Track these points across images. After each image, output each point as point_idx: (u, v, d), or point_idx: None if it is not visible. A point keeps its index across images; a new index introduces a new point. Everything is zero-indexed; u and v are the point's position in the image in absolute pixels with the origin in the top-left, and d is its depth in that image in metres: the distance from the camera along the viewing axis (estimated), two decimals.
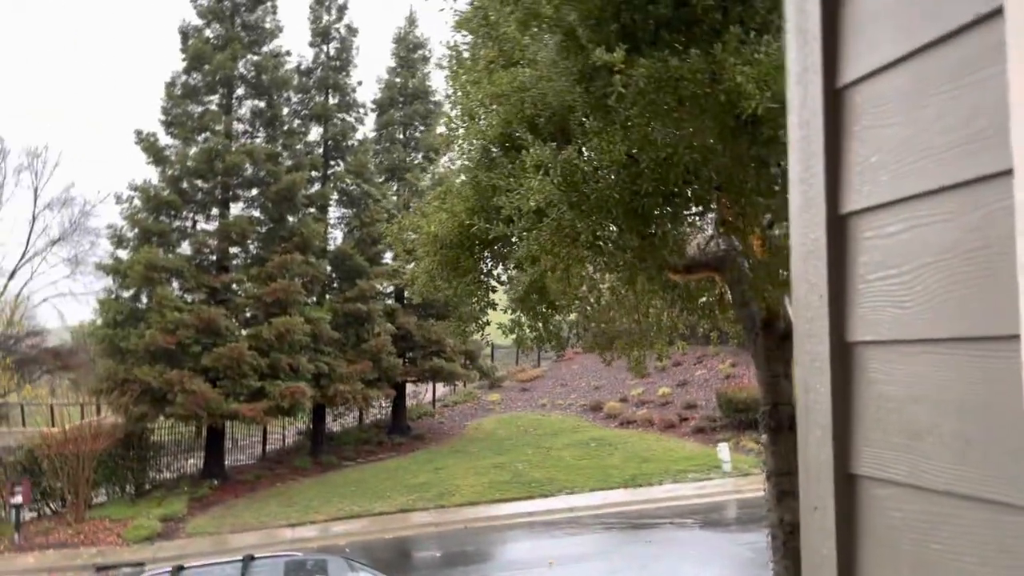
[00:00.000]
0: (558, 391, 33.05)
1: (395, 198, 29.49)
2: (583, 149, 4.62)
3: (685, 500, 20.06)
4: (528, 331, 6.69)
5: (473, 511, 20.52)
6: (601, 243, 4.69)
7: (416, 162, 31.28)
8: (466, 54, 6.26)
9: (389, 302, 29.29)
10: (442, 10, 6.20)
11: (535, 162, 4.38)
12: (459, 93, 6.34)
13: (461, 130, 6.31)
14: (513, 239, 5.16)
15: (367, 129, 30.38)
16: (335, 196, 28.51)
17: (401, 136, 31.39)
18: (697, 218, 5.29)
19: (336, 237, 28.73)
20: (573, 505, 20.44)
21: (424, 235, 5.72)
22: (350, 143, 28.61)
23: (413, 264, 6.24)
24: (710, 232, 5.69)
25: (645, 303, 6.13)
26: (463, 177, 6.45)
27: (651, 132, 4.24)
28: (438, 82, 32.46)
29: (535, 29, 4.73)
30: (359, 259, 26.98)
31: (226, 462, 24.74)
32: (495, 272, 6.14)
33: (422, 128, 31.52)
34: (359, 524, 19.76)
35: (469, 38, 6.24)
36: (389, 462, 25.77)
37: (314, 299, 26.07)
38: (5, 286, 30.31)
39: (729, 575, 14.16)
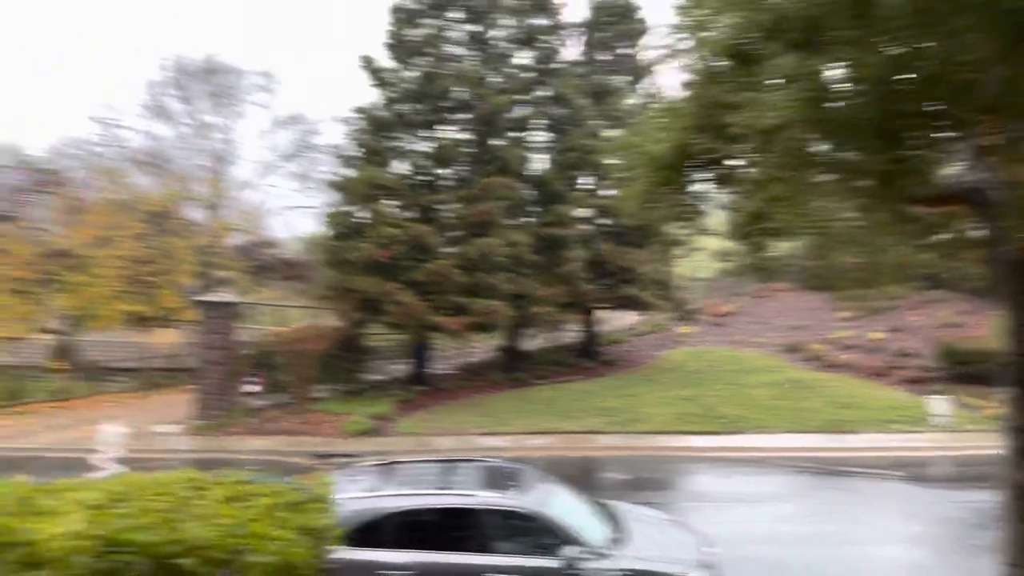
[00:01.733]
0: (754, 328, 31.95)
1: (597, 121, 29.22)
2: (834, 61, 4.25)
3: (889, 451, 18.88)
4: (741, 260, 6.46)
5: (660, 440, 20.59)
6: (841, 168, 4.37)
7: (619, 85, 30.69)
8: None
9: (584, 227, 29.46)
10: None
11: (777, 74, 4.10)
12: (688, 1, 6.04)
13: (685, 42, 6.04)
14: (739, 160, 4.94)
15: (578, 53, 30.11)
16: (539, 120, 28.72)
17: (607, 57, 30.82)
18: (954, 143, 4.74)
19: (538, 161, 29.05)
20: (763, 445, 19.90)
21: (639, 154, 5.61)
22: (555, 66, 28.51)
23: (623, 185, 6.14)
24: (963, 159, 5.11)
25: (880, 238, 5.66)
26: (684, 93, 6.22)
27: (920, 43, 3.80)
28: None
29: None
30: (559, 184, 27.23)
31: (430, 371, 26.46)
32: (712, 195, 5.94)
33: (628, 48, 30.75)
34: (548, 440, 20.48)
35: None
36: (578, 384, 26.36)
37: (515, 222, 26.72)
38: (244, 198, 33.81)
39: (934, 531, 13.24)
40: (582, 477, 17.90)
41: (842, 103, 4.15)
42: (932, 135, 4.23)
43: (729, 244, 6.58)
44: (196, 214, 27.72)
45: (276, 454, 19.29)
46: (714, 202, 5.95)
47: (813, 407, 22.19)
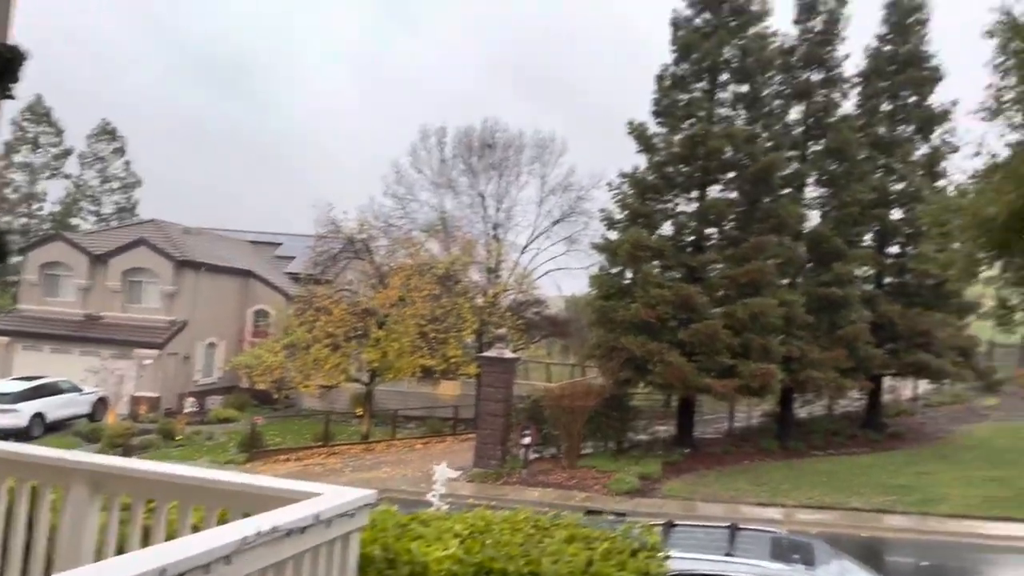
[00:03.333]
0: None
1: (877, 175, 27.43)
2: None
3: None
4: None
5: (962, 524, 18.29)
6: None
7: (905, 135, 28.62)
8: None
9: (868, 287, 27.49)
10: None
11: None
12: (1012, 61, 5.71)
13: (1013, 103, 5.69)
14: None
15: (850, 104, 28.73)
16: (813, 175, 27.62)
17: (887, 107, 28.98)
18: None
19: (812, 217, 27.83)
20: None
21: (968, 215, 5.31)
22: (831, 119, 27.33)
23: (946, 247, 5.81)
24: None
25: None
26: (1012, 153, 5.82)
27: None
28: (938, 45, 29.11)
29: None
30: (837, 241, 25.81)
31: (695, 433, 25.97)
32: None
33: (913, 98, 28.69)
34: (829, 516, 19.08)
35: None
36: (862, 458, 24.33)
37: (787, 281, 25.68)
38: (516, 260, 36.11)
39: None
40: (869, 559, 16.43)
41: None
42: None
43: None
44: (477, 276, 30.07)
45: (549, 506, 19.89)
46: None
47: None
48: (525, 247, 36.74)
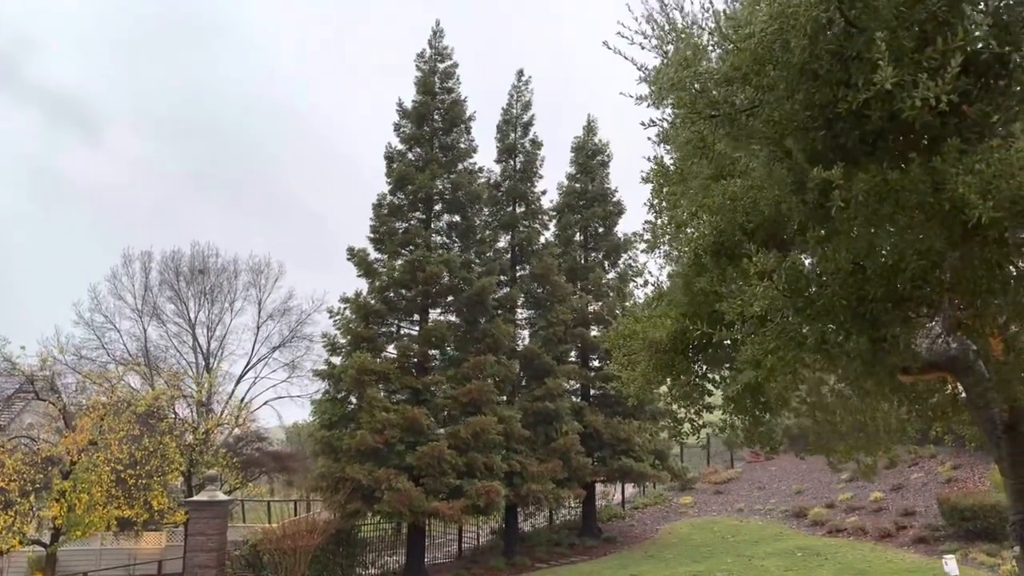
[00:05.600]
0: (755, 495, 31.39)
1: (576, 297, 30.25)
2: (805, 256, 4.76)
3: None
4: (740, 432, 6.71)
5: None
6: (828, 347, 4.75)
7: (596, 261, 32.07)
8: (671, 166, 6.64)
9: (576, 399, 29.61)
10: (648, 126, 6.64)
11: (759, 269, 4.58)
12: (664, 203, 6.71)
13: (666, 237, 6.64)
14: (732, 343, 5.31)
15: (549, 234, 31.70)
16: (522, 298, 29.69)
17: (580, 238, 32.39)
18: (928, 320, 5.18)
19: (524, 336, 29.72)
20: None
21: (640, 340, 6.01)
22: (534, 247, 29.89)
23: (627, 368, 6.48)
24: (939, 332, 5.53)
25: (872, 405, 5.98)
26: (670, 283, 6.74)
27: (875, 240, 4.33)
28: (617, 183, 33.48)
29: (745, 142, 5.00)
30: (546, 358, 27.70)
31: (426, 560, 25.47)
32: (709, 375, 6.28)
33: (601, 229, 32.42)
34: None
35: (671, 151, 6.64)
36: (582, 565, 25.40)
37: (505, 398, 26.86)
38: (232, 391, 33.85)
39: None
40: None
41: (819, 291, 4.60)
42: (905, 315, 4.65)
43: (727, 416, 6.84)
44: (185, 411, 27.62)
45: None
46: (711, 380, 6.27)
47: None
48: (241, 376, 34.72)
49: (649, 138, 6.95)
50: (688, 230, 6.17)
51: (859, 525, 25.27)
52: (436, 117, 27.48)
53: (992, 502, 21.84)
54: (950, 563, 19.39)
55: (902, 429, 6.56)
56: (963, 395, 6.04)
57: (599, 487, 31.37)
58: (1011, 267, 4.34)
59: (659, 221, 6.83)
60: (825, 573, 21.81)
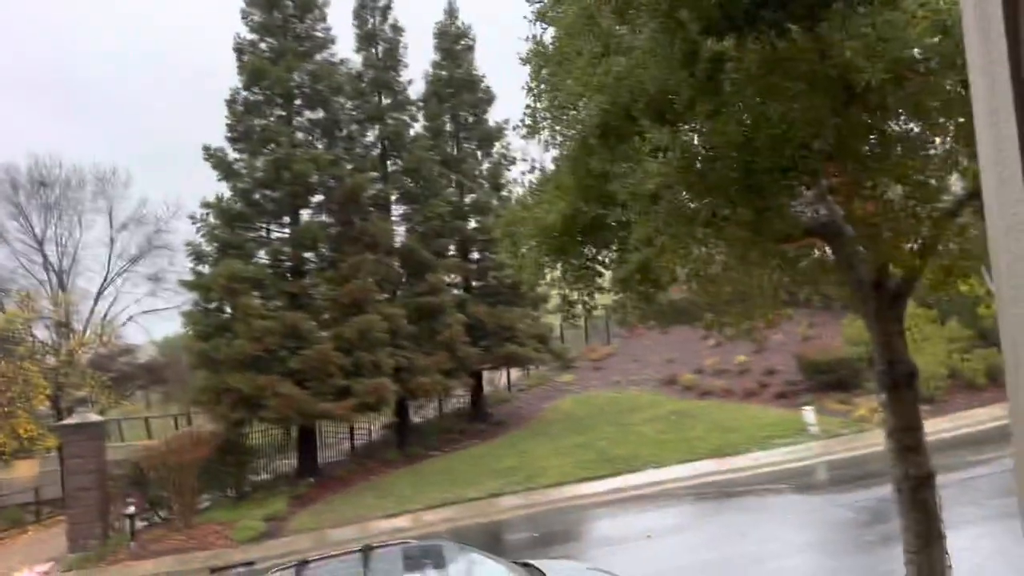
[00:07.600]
0: (631, 367, 33.14)
1: (452, 189, 29.89)
2: (693, 132, 4.79)
3: (775, 466, 20.04)
4: (632, 310, 6.89)
5: (562, 491, 20.87)
6: (717, 220, 4.87)
7: (469, 151, 31.59)
8: (550, 46, 6.43)
9: (458, 292, 29.79)
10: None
11: (654, 146, 4.56)
12: (543, 86, 6.53)
13: (547, 121, 6.51)
14: (622, 224, 5.36)
15: (419, 126, 30.75)
16: (396, 194, 29.04)
17: (450, 128, 31.65)
18: (808, 188, 5.39)
19: (401, 233, 29.26)
20: (661, 479, 20.60)
21: (530, 225, 5.96)
22: (404, 140, 29.03)
23: (517, 253, 6.45)
24: (810, 200, 5.79)
25: (757, 274, 6.26)
26: (555, 167, 6.67)
27: (765, 111, 4.39)
28: (486, 70, 32.69)
29: (632, 15, 4.88)
30: (425, 253, 27.50)
31: (319, 460, 25.60)
32: (599, 256, 6.34)
33: (471, 118, 31.78)
34: (452, 511, 20.27)
35: (551, 31, 6.43)
36: (474, 449, 26.31)
37: (387, 296, 26.65)
38: (92, 309, 31.85)
39: (830, 535, 14.13)
40: (492, 542, 17.81)
41: (710, 166, 4.66)
42: (790, 185, 4.81)
43: (619, 296, 6.98)
44: (44, 334, 25.85)
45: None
46: (601, 261, 6.35)
47: (699, 435, 23.22)
48: (100, 291, 32.60)
49: (525, 16, 6.69)
50: (572, 112, 6.07)
51: (726, 387, 27.29)
52: (288, 2, 25.58)
53: (844, 355, 24.06)
54: (809, 413, 21.45)
55: (776, 295, 6.95)
56: (832, 258, 6.43)
57: (486, 374, 32.15)
58: (890, 130, 4.54)
59: (539, 105, 6.67)
60: (697, 432, 23.63)
